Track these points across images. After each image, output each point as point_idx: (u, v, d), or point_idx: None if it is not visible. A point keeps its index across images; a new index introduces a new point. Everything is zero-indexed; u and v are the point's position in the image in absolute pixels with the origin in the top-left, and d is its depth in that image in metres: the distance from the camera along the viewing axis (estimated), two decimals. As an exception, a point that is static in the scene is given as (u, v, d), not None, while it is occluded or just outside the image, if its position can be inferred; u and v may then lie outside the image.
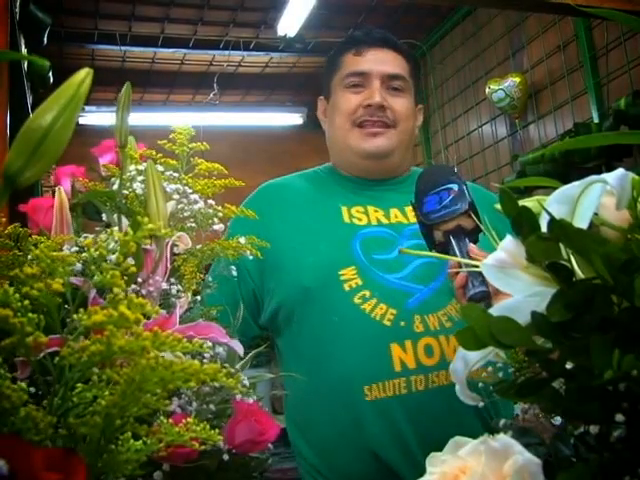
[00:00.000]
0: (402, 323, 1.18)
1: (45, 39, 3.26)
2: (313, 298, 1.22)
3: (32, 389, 0.46)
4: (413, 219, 1.29)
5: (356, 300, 1.20)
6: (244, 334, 0.76)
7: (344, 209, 1.31)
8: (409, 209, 1.30)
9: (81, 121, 4.99)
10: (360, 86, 1.34)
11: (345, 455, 1.18)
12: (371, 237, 1.27)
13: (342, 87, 1.36)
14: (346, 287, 1.21)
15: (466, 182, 1.07)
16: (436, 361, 1.16)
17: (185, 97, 5.82)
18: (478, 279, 0.96)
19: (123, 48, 4.73)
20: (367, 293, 1.20)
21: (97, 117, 5.03)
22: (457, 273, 1.01)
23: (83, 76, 0.43)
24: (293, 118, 5.63)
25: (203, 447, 0.51)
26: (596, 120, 3.43)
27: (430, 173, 1.13)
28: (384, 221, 1.29)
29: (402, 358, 1.16)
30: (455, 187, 1.05)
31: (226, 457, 0.63)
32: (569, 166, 3.09)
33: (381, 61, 1.35)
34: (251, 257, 0.79)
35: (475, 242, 1.03)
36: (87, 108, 5.02)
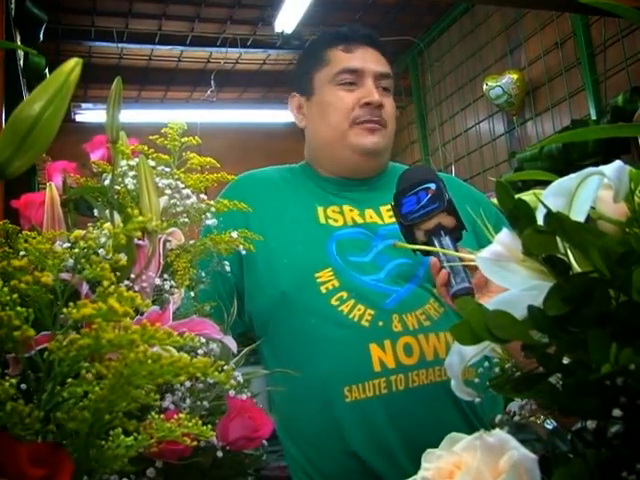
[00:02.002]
0: (380, 323, 1.17)
1: (41, 36, 3.25)
2: (290, 301, 1.22)
3: (23, 386, 0.46)
4: (388, 219, 1.28)
5: (333, 302, 1.19)
6: (231, 330, 0.76)
7: (320, 209, 1.30)
8: (384, 209, 1.30)
9: (78, 118, 4.98)
10: (354, 84, 1.31)
11: (328, 456, 1.18)
12: (347, 238, 1.26)
13: (333, 84, 1.33)
14: (323, 289, 1.20)
15: (444, 181, 1.07)
16: (416, 360, 1.16)
17: (182, 94, 5.81)
18: (460, 275, 0.96)
19: (120, 45, 4.72)
20: (344, 294, 1.20)
21: (94, 114, 5.02)
22: (439, 271, 1.01)
23: (72, 65, 0.43)
24: (291, 115, 5.61)
25: (196, 443, 0.51)
26: (594, 117, 3.43)
27: (408, 175, 1.13)
28: (359, 220, 1.28)
29: (381, 358, 1.15)
30: (433, 186, 1.05)
31: (220, 454, 0.63)
32: (567, 163, 3.09)
33: (371, 59, 1.34)
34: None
35: (457, 240, 1.03)
36: (84, 105, 5.01)
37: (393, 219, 1.28)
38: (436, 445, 0.48)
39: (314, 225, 1.27)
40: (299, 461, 1.22)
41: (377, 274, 1.22)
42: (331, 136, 1.33)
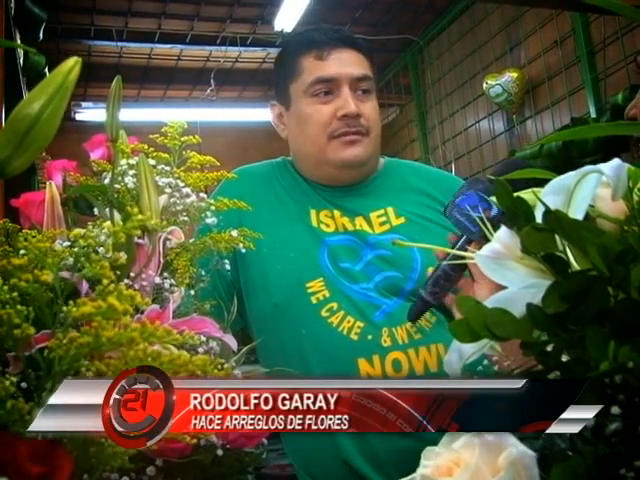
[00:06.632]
0: (369, 337, 1.16)
1: (41, 35, 3.26)
2: (282, 312, 1.21)
3: (24, 384, 0.46)
4: (378, 228, 1.25)
5: (324, 313, 1.18)
6: (231, 327, 0.75)
7: (313, 212, 1.27)
8: (374, 215, 1.28)
9: (78, 117, 4.99)
10: (329, 94, 1.25)
11: (321, 466, 1.18)
12: (338, 245, 1.24)
13: (308, 96, 1.26)
14: (313, 300, 1.19)
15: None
16: (404, 376, 1.15)
17: (182, 93, 5.82)
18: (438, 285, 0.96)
19: (120, 44, 4.73)
20: (334, 305, 1.18)
21: (94, 113, 5.02)
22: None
23: (72, 64, 0.43)
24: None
25: (196, 441, 0.51)
26: (593, 115, 3.43)
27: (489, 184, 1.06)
28: (349, 227, 1.26)
29: (370, 374, 1.14)
30: (493, 212, 0.97)
31: (220, 452, 0.63)
32: (566, 161, 3.10)
33: (346, 63, 1.27)
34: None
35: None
36: (84, 104, 5.01)
37: (383, 228, 1.27)
38: None
39: (306, 229, 1.25)
40: (298, 470, 1.22)
41: (367, 283, 1.21)
42: (311, 150, 1.28)
